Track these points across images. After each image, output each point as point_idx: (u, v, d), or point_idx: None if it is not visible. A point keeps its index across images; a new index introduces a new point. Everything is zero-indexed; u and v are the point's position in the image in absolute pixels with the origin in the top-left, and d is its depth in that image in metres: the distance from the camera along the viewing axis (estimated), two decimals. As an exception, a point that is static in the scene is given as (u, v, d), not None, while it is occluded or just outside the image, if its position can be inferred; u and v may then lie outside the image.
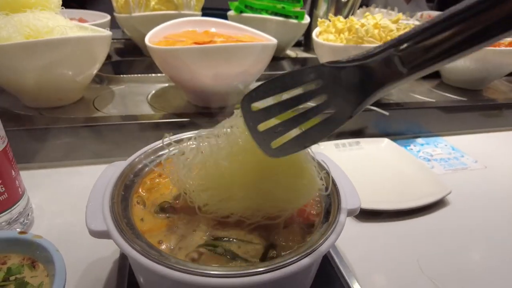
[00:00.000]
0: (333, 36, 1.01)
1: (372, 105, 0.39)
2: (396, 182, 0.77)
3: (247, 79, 0.90)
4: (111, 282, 0.51)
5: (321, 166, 0.53)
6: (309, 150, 0.45)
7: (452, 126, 1.08)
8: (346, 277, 0.53)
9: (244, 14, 1.33)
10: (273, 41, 0.89)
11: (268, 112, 0.37)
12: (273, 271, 0.36)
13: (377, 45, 0.35)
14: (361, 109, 0.36)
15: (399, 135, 1.01)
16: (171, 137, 0.57)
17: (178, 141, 0.57)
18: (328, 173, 0.51)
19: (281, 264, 0.36)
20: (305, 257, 0.37)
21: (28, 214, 0.60)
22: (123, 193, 0.46)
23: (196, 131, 0.59)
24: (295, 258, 0.37)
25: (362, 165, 0.82)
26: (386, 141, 0.91)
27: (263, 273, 0.36)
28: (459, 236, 0.66)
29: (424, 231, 0.66)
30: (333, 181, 0.49)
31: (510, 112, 1.16)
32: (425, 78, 1.29)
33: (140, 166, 0.51)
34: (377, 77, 0.35)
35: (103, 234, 0.39)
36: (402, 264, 0.59)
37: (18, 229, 0.57)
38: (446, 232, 0.67)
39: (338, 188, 0.48)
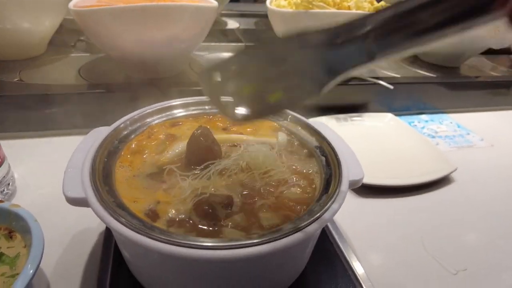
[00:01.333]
0: (285, 2, 0.93)
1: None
2: (399, 157, 0.73)
3: (181, 47, 0.79)
4: (95, 255, 0.48)
5: (320, 135, 0.49)
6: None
7: (457, 103, 1.04)
8: (346, 254, 0.50)
9: None
10: (212, 3, 0.76)
11: (231, 83, 0.34)
12: (267, 243, 0.32)
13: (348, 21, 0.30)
14: (328, 89, 0.32)
15: (403, 111, 0.97)
16: (159, 104, 0.53)
17: (166, 108, 0.53)
18: (328, 143, 0.47)
19: (277, 235, 0.33)
20: (303, 228, 0.34)
21: (9, 183, 0.56)
22: (106, 160, 0.42)
23: (183, 99, 0.55)
24: (292, 230, 0.33)
25: (365, 139, 0.78)
26: (389, 116, 0.87)
27: (257, 244, 0.32)
28: (464, 214, 0.63)
29: (428, 208, 0.63)
30: (333, 150, 0.46)
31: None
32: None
33: (125, 132, 0.47)
34: (346, 59, 0.31)
35: (81, 202, 0.36)
36: (405, 242, 0.56)
37: (-3, 199, 0.54)
38: (451, 210, 0.64)
39: (339, 158, 0.44)
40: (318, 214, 0.35)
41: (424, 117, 0.97)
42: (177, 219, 0.37)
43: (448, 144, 0.84)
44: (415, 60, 1.18)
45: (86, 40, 1.02)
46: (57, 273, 0.46)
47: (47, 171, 0.63)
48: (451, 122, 0.95)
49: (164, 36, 0.72)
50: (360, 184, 0.43)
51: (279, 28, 0.93)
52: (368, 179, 0.62)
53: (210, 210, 0.38)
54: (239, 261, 0.34)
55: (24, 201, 0.57)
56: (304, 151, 0.49)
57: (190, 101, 0.55)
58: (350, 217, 0.58)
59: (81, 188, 0.36)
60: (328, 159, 0.45)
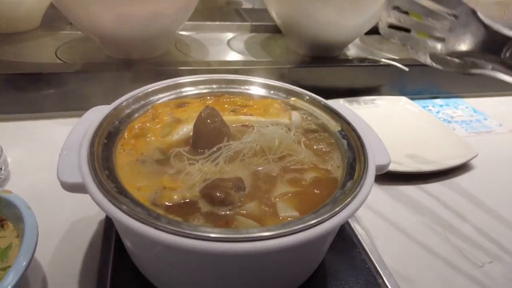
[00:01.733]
0: None
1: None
2: (416, 142, 0.69)
3: (165, 24, 0.72)
4: (95, 245, 0.44)
5: (339, 116, 0.45)
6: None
7: (473, 87, 0.99)
8: (364, 245, 0.47)
9: None
10: None
11: None
12: (285, 236, 0.28)
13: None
14: None
15: (416, 94, 0.92)
16: (164, 81, 0.49)
17: (172, 87, 0.49)
18: (348, 124, 0.43)
19: (297, 228, 0.29)
20: (327, 219, 0.30)
21: (2, 168, 0.52)
22: (106, 141, 0.38)
23: (194, 77, 0.51)
24: (317, 220, 0.30)
25: (378, 123, 0.73)
26: (403, 99, 0.83)
27: (275, 237, 0.28)
28: (487, 203, 0.59)
29: (448, 196, 0.60)
30: (355, 132, 0.42)
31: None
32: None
33: (128, 111, 0.43)
34: None
35: (78, 187, 0.32)
36: (426, 232, 0.52)
37: (-12, 184, 0.50)
38: (472, 198, 0.60)
39: (363, 141, 0.40)
40: (344, 203, 0.31)
41: (438, 101, 0.92)
42: (185, 208, 0.33)
43: (465, 130, 0.80)
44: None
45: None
46: (53, 265, 0.42)
47: (43, 154, 0.59)
48: (466, 107, 0.91)
49: (145, 11, 0.66)
50: (386, 170, 0.39)
51: (273, 8, 0.86)
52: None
53: (222, 196, 0.34)
54: (254, 255, 0.30)
55: (18, 187, 0.53)
56: (323, 133, 0.45)
57: (198, 79, 0.50)
58: (367, 205, 0.54)
59: (77, 172, 0.32)
60: (350, 142, 0.41)
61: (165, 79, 0.49)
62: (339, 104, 0.48)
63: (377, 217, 0.54)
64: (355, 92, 0.84)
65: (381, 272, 0.44)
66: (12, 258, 0.36)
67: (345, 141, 0.42)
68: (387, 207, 0.56)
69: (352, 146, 0.41)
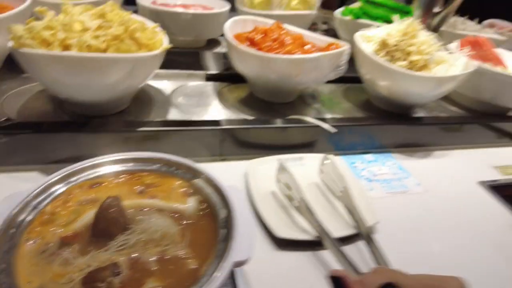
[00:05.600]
0: None
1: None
2: (325, 206, 0.77)
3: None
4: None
5: (227, 204, 0.52)
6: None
7: (405, 141, 1.07)
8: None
9: (360, 20, 1.34)
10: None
11: None
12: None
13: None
14: None
15: (348, 150, 1.00)
16: (80, 163, 0.56)
17: (89, 167, 0.56)
18: (232, 216, 0.50)
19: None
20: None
21: None
22: (13, 231, 0.45)
23: (113, 155, 0.58)
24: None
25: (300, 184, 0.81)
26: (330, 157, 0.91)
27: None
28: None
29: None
30: (232, 225, 0.49)
31: (470, 128, 1.14)
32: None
33: (42, 197, 0.50)
34: None
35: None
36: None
37: None
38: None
39: (234, 235, 0.47)
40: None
41: (368, 157, 1.00)
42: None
43: (384, 190, 0.87)
44: (366, 103, 1.13)
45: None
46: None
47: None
48: (394, 163, 0.98)
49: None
50: (244, 264, 0.46)
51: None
52: (284, 233, 0.66)
53: (103, 284, 0.41)
54: None
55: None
56: (211, 222, 0.52)
57: (115, 158, 0.57)
58: (265, 271, 0.61)
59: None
60: (228, 233, 0.48)
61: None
62: (235, 188, 0.55)
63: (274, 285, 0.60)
64: (290, 147, 0.93)
65: None
66: None
67: (225, 231, 0.49)
68: (288, 274, 0.62)
69: (227, 237, 0.48)
